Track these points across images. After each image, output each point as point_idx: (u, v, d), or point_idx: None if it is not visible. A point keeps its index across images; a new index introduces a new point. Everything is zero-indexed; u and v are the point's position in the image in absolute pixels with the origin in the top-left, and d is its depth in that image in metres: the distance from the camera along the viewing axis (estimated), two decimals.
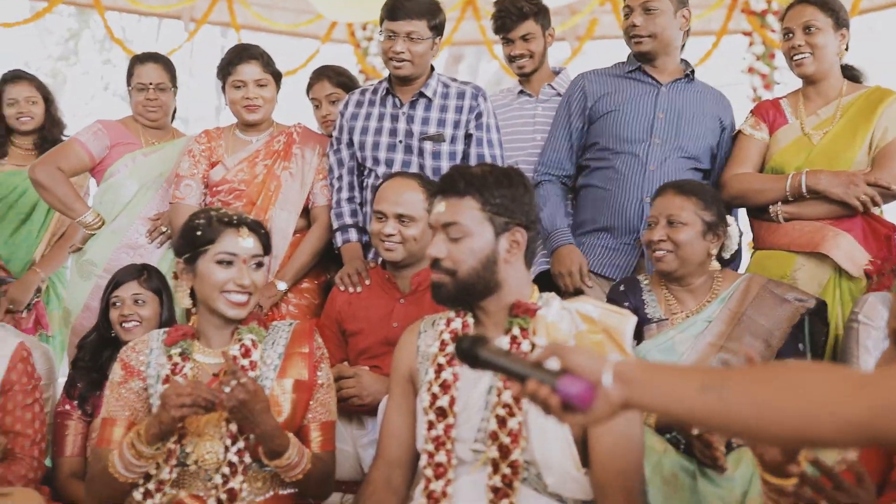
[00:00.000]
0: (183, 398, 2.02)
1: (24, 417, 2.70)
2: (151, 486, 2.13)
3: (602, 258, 3.09)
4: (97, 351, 2.92)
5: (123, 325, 2.86)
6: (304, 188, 3.27)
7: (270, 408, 2.13)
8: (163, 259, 3.33)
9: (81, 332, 3.25)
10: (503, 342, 1.96)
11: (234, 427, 2.14)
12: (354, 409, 2.71)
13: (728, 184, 3.02)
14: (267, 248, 2.29)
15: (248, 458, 2.15)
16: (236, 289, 2.21)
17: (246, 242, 2.23)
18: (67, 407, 2.90)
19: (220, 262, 2.20)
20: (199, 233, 2.21)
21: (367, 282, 2.88)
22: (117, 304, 2.89)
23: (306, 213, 3.31)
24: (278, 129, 3.34)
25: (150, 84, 3.58)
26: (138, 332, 2.74)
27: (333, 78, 3.67)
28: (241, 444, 2.14)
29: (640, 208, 3.05)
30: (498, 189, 1.97)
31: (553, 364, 1.37)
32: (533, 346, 1.93)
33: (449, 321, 2.05)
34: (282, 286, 3.14)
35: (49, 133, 3.97)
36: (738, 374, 1.30)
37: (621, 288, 2.71)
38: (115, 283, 2.92)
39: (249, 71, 3.19)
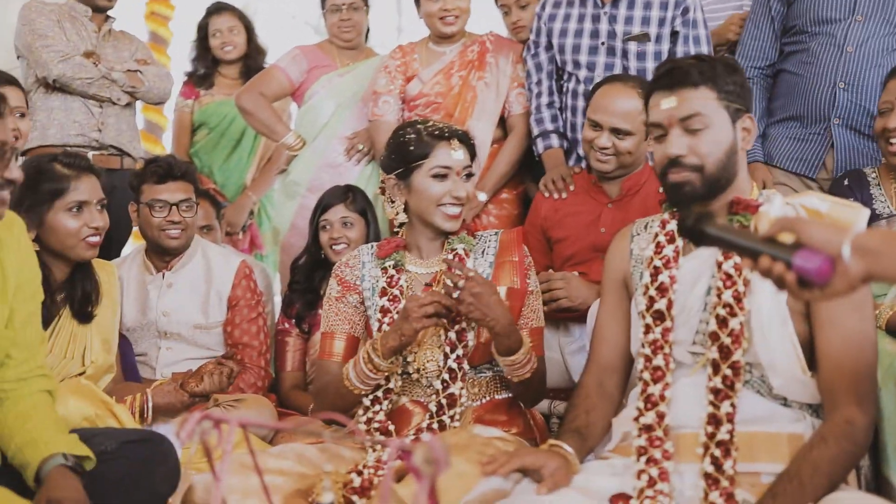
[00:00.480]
0: (426, 308, 2.05)
1: (251, 330, 2.89)
2: (380, 393, 2.20)
3: (788, 150, 2.89)
4: (310, 272, 3.06)
5: (333, 247, 2.98)
6: (500, 97, 3.24)
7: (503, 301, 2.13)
8: (360, 176, 3.42)
9: (290, 250, 3.43)
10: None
11: (452, 335, 2.18)
12: (562, 316, 2.71)
13: None
14: (474, 158, 2.29)
15: (466, 366, 2.19)
16: (452, 201, 2.22)
17: (458, 154, 2.23)
18: (286, 325, 3.08)
19: (435, 177, 2.21)
20: (411, 148, 2.22)
21: (572, 187, 2.83)
22: (326, 227, 3.00)
23: (502, 122, 3.28)
24: (470, 38, 3.32)
25: (343, 4, 3.61)
26: (347, 253, 2.83)
27: None
28: (459, 351, 2.18)
29: (833, 95, 2.84)
30: (729, 76, 1.88)
31: (786, 238, 1.30)
32: None
33: (664, 223, 1.98)
34: (482, 197, 3.16)
35: (252, 61, 4.14)
36: None
37: (846, 182, 2.54)
38: (324, 206, 3.02)
39: None
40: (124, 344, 2.76)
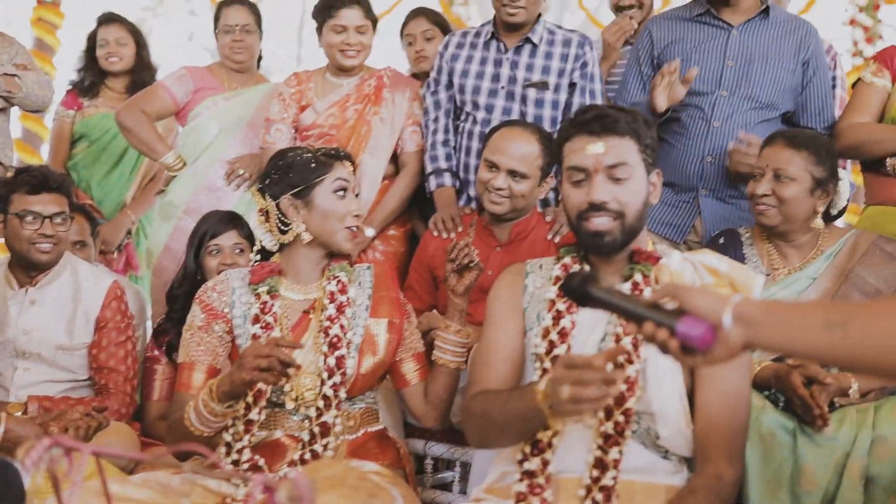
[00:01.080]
0: (259, 360, 1.92)
1: (118, 354, 2.76)
2: (241, 427, 2.10)
3: (659, 215, 2.95)
4: (188, 300, 2.92)
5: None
6: (394, 133, 3.22)
7: None
8: (240, 202, 3.34)
9: (162, 273, 3.31)
10: (624, 289, 1.88)
11: (331, 361, 2.13)
12: None
13: (843, 133, 2.84)
14: None
15: (342, 394, 2.14)
16: (354, 221, 2.20)
17: (350, 173, 2.24)
18: (156, 352, 2.94)
19: (336, 192, 2.19)
20: (312, 165, 2.19)
21: (460, 228, 2.83)
22: (215, 252, 2.88)
23: (394, 158, 3.26)
24: (368, 72, 3.30)
25: (237, 26, 3.56)
26: None
27: (431, 16, 3.65)
28: (337, 378, 2.12)
29: (701, 167, 2.91)
30: (647, 130, 1.93)
31: (670, 304, 1.32)
32: None
33: (565, 266, 1.98)
34: (370, 232, 3.13)
35: (139, 77, 4.02)
36: (862, 309, 1.28)
37: (721, 241, 2.60)
38: (213, 232, 2.91)
39: (351, 16, 3.15)
40: None
